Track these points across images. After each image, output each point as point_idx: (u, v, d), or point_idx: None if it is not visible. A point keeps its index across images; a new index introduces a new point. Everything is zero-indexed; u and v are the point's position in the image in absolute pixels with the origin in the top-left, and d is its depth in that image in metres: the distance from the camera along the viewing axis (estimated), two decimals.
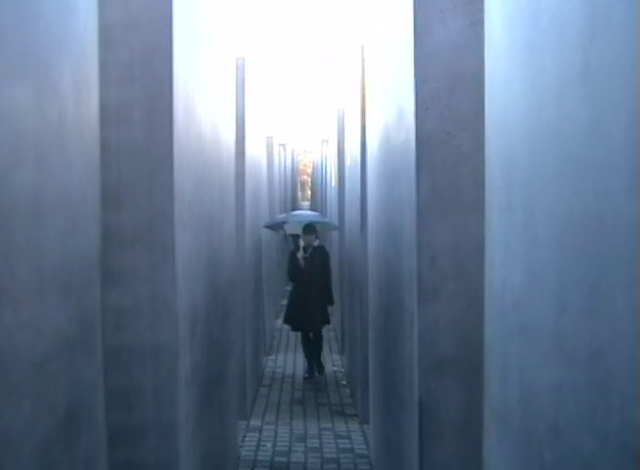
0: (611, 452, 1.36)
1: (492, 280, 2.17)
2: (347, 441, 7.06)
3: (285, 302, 14.62)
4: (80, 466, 2.04)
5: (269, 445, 6.94)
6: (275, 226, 11.20)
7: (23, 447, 1.64)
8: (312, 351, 10.09)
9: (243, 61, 7.77)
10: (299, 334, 10.50)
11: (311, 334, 10.13)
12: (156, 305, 3.37)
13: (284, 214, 11.75)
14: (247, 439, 7.08)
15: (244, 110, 7.62)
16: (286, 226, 10.86)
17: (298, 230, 10.42)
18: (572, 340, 1.52)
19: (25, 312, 1.65)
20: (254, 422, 7.66)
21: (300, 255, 9.95)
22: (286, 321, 10.48)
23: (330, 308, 10.26)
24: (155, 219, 3.35)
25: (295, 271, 10.14)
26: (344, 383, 9.53)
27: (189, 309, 3.81)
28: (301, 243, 10.04)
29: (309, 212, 13.07)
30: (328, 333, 11.98)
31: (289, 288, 10.99)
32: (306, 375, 9.95)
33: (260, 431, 7.37)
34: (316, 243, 10.12)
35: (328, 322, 10.43)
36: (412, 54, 3.57)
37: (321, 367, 10.17)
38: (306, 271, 9.88)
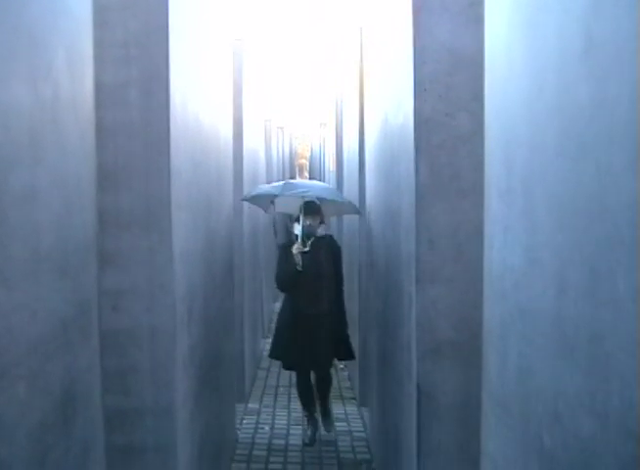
0: (611, 435, 1.35)
1: (491, 262, 2.16)
2: (345, 424, 7.07)
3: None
4: (77, 449, 2.03)
5: (267, 427, 6.95)
6: (262, 201, 7.03)
7: (19, 431, 1.63)
8: (313, 399, 6.68)
9: (241, 44, 7.72)
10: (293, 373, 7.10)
11: (313, 375, 6.68)
12: (153, 287, 3.36)
13: (278, 183, 7.43)
14: (244, 421, 7.09)
15: (241, 93, 7.58)
16: (277, 201, 6.82)
17: (293, 208, 6.73)
18: (573, 322, 1.51)
19: (20, 294, 1.63)
20: (252, 405, 7.68)
21: (297, 249, 6.26)
22: (274, 355, 6.76)
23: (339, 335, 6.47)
24: (152, 201, 3.33)
25: (287, 276, 6.36)
26: (342, 366, 9.53)
27: (186, 292, 3.80)
28: (298, 229, 6.40)
29: (316, 183, 8.18)
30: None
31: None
32: (307, 441, 6.49)
33: (258, 414, 7.39)
34: (321, 230, 6.54)
35: (342, 356, 6.82)
36: (411, 35, 3.54)
37: (328, 418, 6.70)
38: (306, 275, 6.25)
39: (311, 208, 6.41)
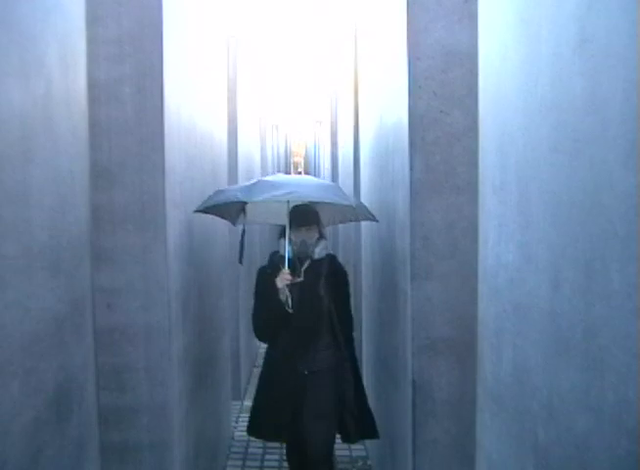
0: (605, 430, 1.34)
1: (486, 258, 2.16)
2: None
3: None
4: (71, 447, 2.03)
5: None
6: (227, 210, 4.66)
7: (12, 429, 1.62)
8: None
9: (235, 41, 7.70)
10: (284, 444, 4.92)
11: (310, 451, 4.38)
12: (148, 284, 3.35)
13: (248, 183, 4.54)
14: (240, 419, 7.08)
15: (236, 90, 7.56)
16: (249, 208, 4.71)
17: (276, 215, 4.67)
18: (567, 317, 1.51)
19: (13, 291, 1.62)
20: (248, 403, 7.65)
21: (284, 279, 4.21)
22: (255, 432, 4.46)
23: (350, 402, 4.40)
24: (146, 198, 3.32)
25: (270, 320, 4.31)
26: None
27: (181, 289, 3.79)
28: (286, 249, 4.30)
29: (307, 179, 5.19)
30: None
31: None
32: None
33: None
34: (320, 250, 4.42)
35: (366, 435, 4.55)
36: (405, 31, 3.53)
37: None
38: (299, 317, 4.26)
39: (303, 215, 4.39)
